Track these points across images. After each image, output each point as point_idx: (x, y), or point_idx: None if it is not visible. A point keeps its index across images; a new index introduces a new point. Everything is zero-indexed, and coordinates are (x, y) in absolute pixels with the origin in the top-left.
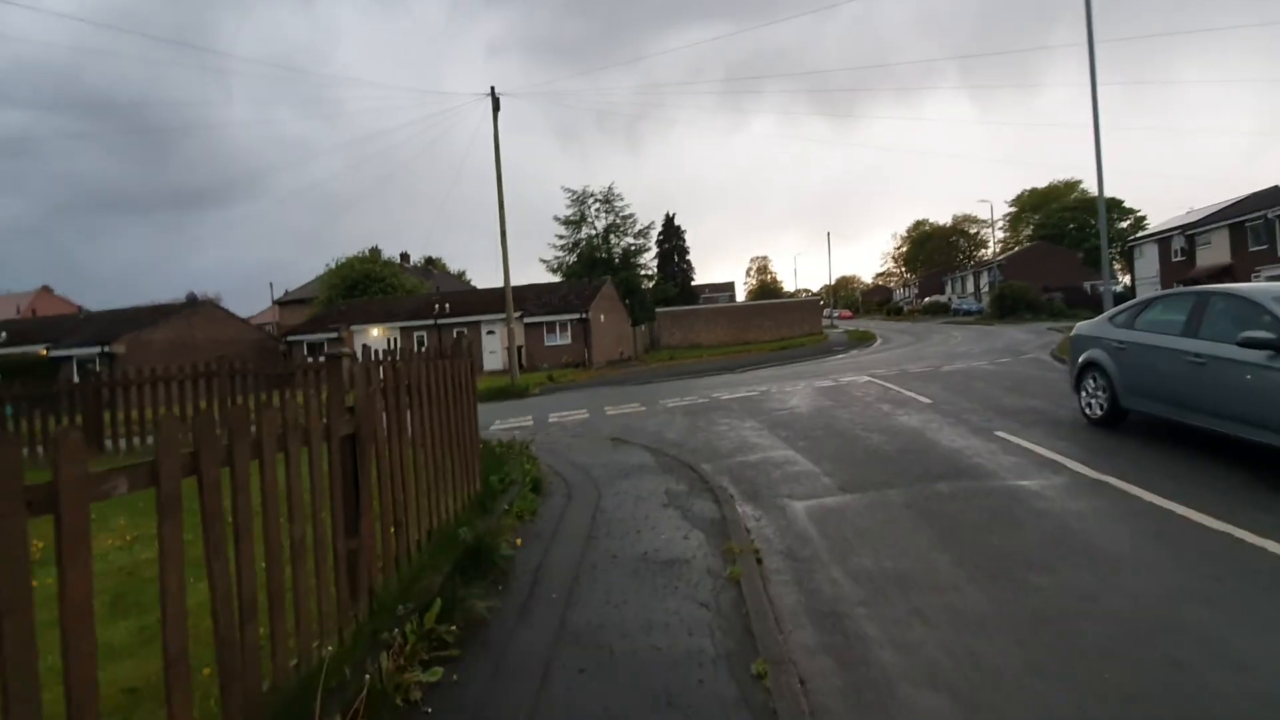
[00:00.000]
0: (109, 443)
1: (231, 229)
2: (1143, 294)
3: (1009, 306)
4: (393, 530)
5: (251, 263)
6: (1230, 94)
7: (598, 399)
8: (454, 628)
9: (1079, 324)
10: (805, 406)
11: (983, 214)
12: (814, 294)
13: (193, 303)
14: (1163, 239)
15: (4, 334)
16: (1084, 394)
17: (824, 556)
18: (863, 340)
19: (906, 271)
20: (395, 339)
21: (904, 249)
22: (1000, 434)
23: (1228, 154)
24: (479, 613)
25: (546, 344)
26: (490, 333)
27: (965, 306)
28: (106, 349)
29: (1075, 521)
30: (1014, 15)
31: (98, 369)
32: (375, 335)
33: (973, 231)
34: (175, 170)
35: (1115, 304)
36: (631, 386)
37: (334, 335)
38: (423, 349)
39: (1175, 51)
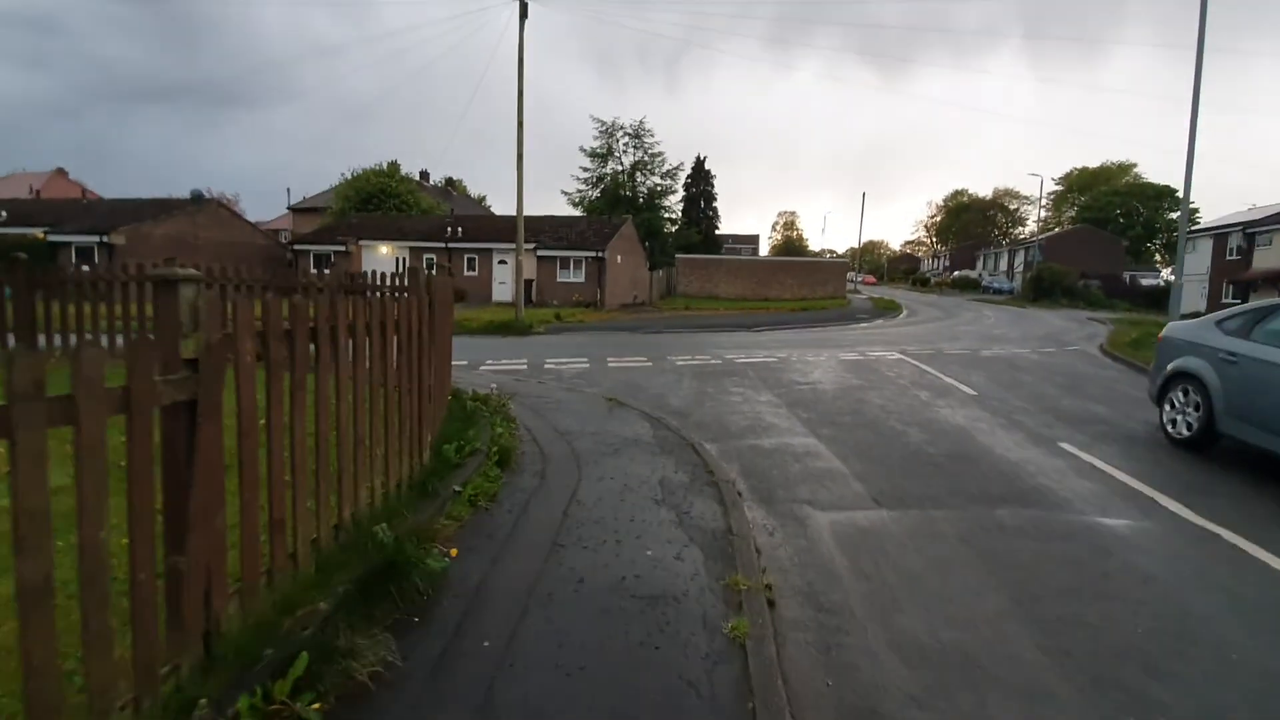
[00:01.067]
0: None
1: (258, 130)
2: (1189, 290)
3: (1044, 289)
4: (264, 537)
5: (276, 166)
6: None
7: (603, 346)
8: (318, 705)
9: (1171, 324)
10: (829, 383)
11: (1029, 188)
12: (839, 255)
13: (198, 200)
14: (1219, 234)
15: (4, 214)
16: (1169, 408)
17: (858, 608)
18: (888, 310)
19: (938, 242)
20: (404, 259)
21: (938, 218)
22: (1066, 447)
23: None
24: (362, 678)
25: (559, 280)
26: (502, 262)
27: (997, 285)
28: (105, 239)
29: (1196, 596)
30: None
31: (95, 258)
32: (384, 253)
33: (1013, 207)
34: (205, 64)
35: (1150, 299)
36: (641, 335)
37: (341, 248)
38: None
39: (1244, 22)
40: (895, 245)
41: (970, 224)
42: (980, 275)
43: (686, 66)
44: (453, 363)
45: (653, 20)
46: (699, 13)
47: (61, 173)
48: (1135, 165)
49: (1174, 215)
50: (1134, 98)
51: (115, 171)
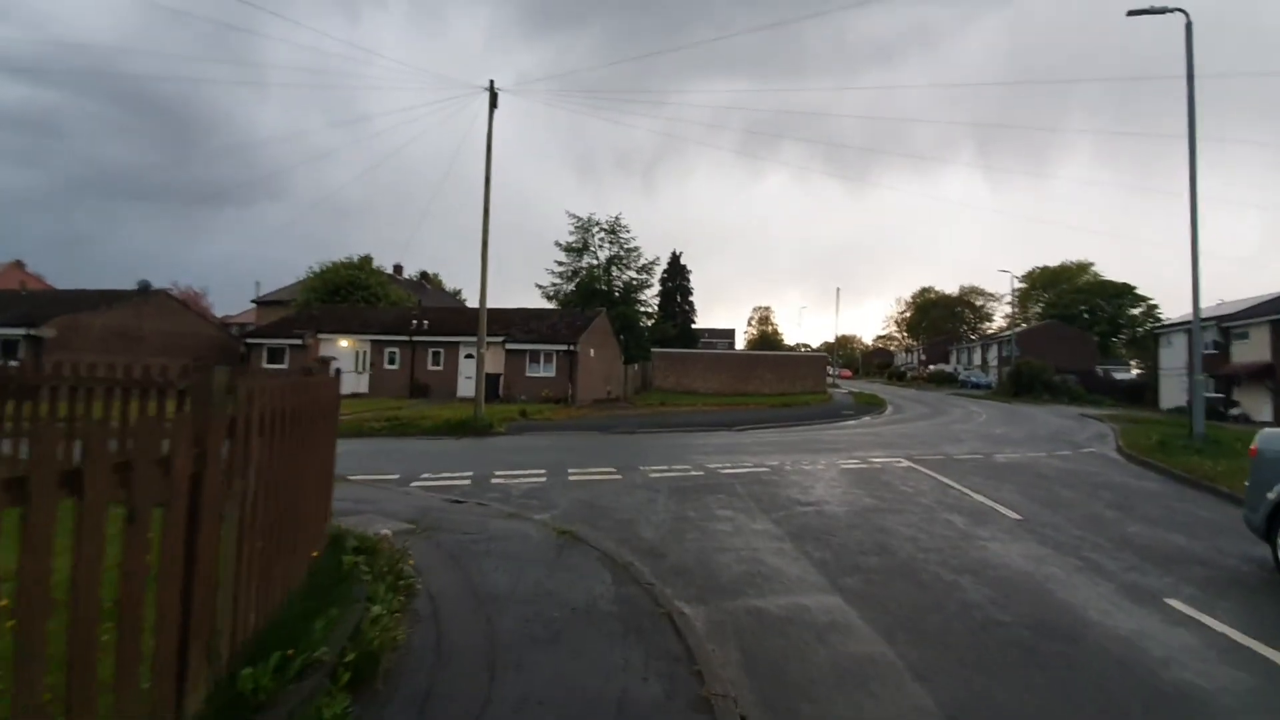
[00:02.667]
0: None
1: (244, 227)
2: (1169, 384)
3: (1024, 384)
4: None
5: (256, 262)
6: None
7: (567, 451)
8: None
9: (1266, 433)
10: (837, 502)
11: (993, 285)
12: (813, 350)
13: (144, 291)
14: (1192, 329)
15: None
16: None
17: None
18: (873, 405)
19: (908, 337)
20: (365, 352)
21: (908, 314)
22: (1177, 605)
23: (1229, 260)
24: None
25: (528, 374)
26: (469, 356)
27: (974, 379)
28: (33, 331)
29: None
30: (1031, 101)
31: (20, 353)
32: (344, 346)
33: (979, 304)
34: (195, 165)
35: (1126, 394)
36: (612, 436)
37: (298, 342)
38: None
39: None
40: (867, 340)
41: (939, 319)
42: (955, 369)
43: (662, 171)
44: (384, 477)
45: (631, 129)
46: (675, 120)
47: (18, 265)
48: (1093, 264)
49: (1135, 311)
50: (1081, 202)
51: (96, 267)
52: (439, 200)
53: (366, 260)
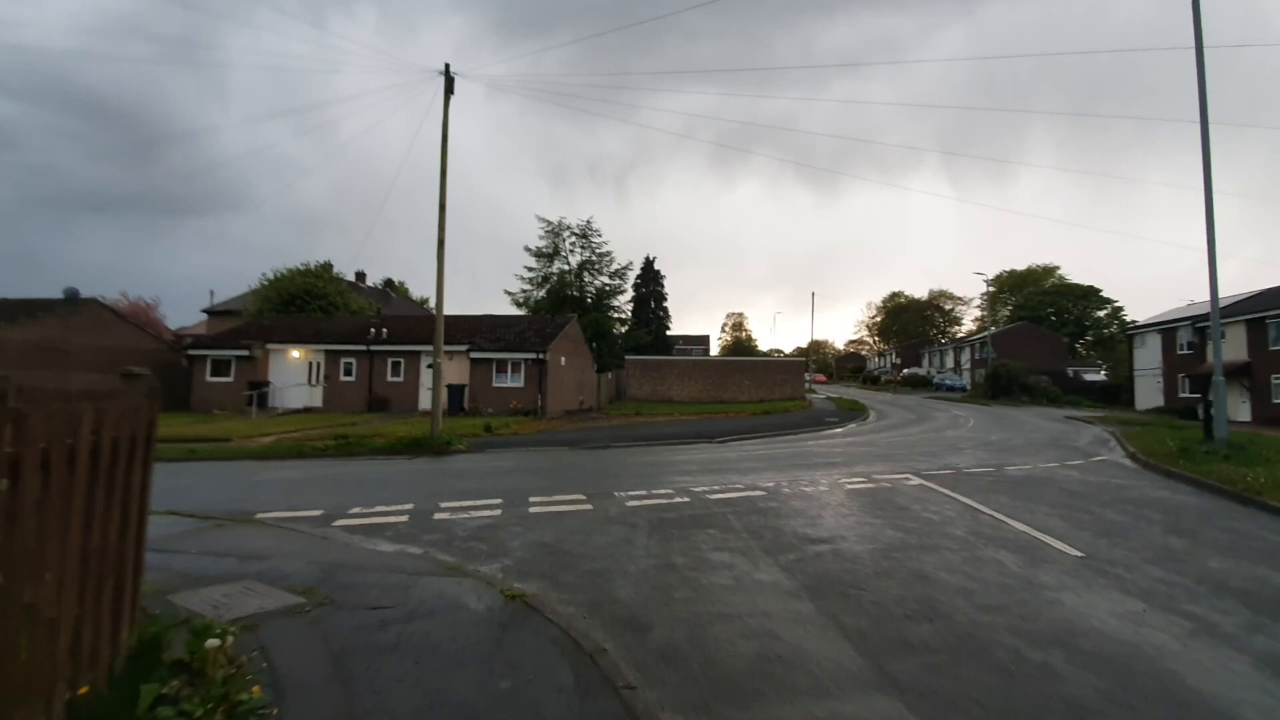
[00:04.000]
0: None
1: (204, 239)
2: (1145, 385)
3: (1001, 386)
4: None
5: (217, 273)
6: (1189, 204)
7: (530, 473)
8: None
9: None
10: (855, 538)
11: (961, 289)
12: (787, 355)
13: (72, 300)
14: (1167, 329)
15: None
16: None
17: None
18: (855, 411)
19: (880, 341)
20: (319, 364)
21: (878, 318)
22: None
23: (1182, 262)
24: None
25: (495, 385)
26: (430, 366)
27: (949, 382)
28: None
29: None
30: (993, 111)
31: None
32: (295, 357)
33: (948, 307)
34: (156, 176)
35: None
36: (584, 453)
37: (245, 353)
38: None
39: (1147, 157)
40: (839, 344)
41: (909, 323)
42: (929, 373)
43: (634, 180)
44: (302, 514)
45: (603, 139)
46: (647, 129)
47: None
48: (1059, 268)
49: (1101, 313)
50: (1044, 207)
51: (49, 280)
52: (408, 208)
53: (325, 267)
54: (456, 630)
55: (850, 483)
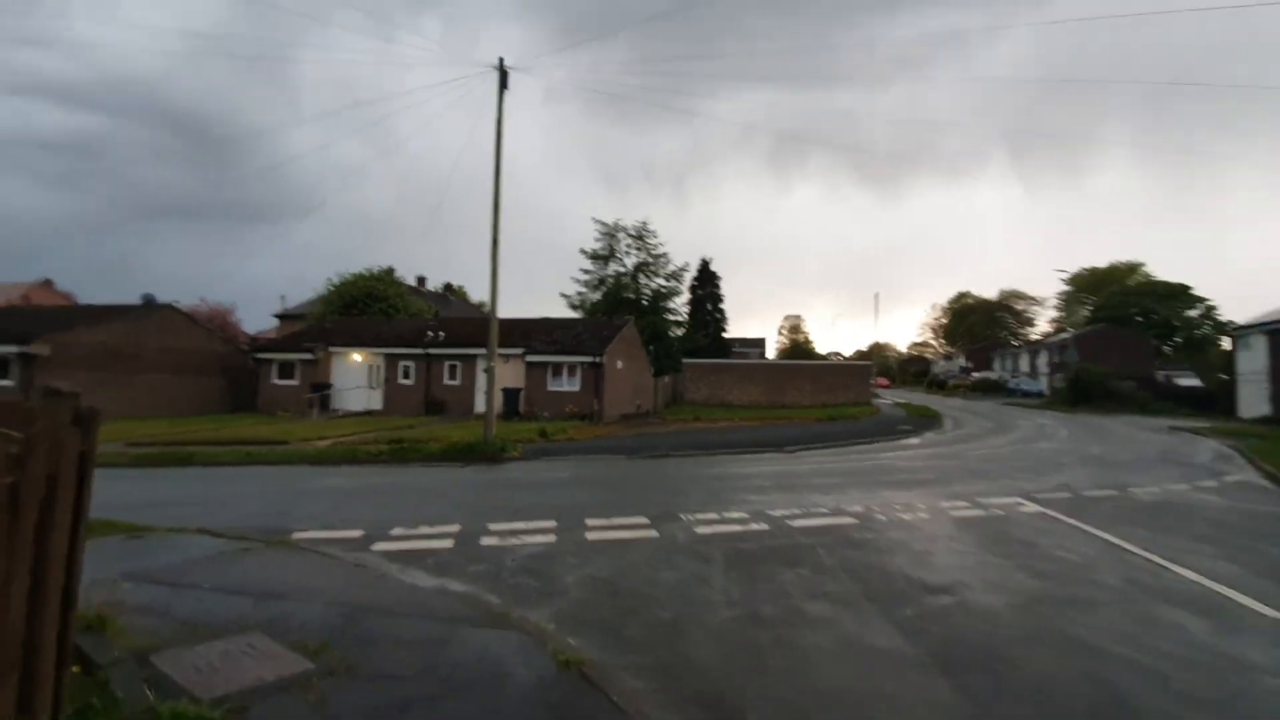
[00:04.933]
0: None
1: (279, 245)
2: (1249, 391)
3: (1083, 392)
4: None
5: (287, 278)
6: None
7: (587, 488)
8: None
9: None
10: (981, 583)
11: (1034, 288)
12: (846, 358)
13: (148, 306)
14: (1275, 330)
15: None
16: None
17: None
18: (928, 418)
19: (945, 343)
20: (379, 366)
21: (944, 320)
22: None
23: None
24: None
25: (550, 388)
26: (485, 370)
27: (1024, 387)
28: (25, 349)
29: None
30: (1065, 103)
31: (11, 370)
32: (356, 360)
33: (1020, 308)
34: (233, 186)
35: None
36: (642, 462)
37: (308, 356)
38: None
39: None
40: (901, 347)
41: (977, 325)
42: (1001, 377)
43: (691, 183)
44: (342, 534)
45: (660, 142)
46: (704, 132)
47: (48, 283)
48: (1143, 264)
49: (1192, 313)
50: (1122, 203)
51: (137, 286)
52: (467, 213)
53: (387, 272)
54: (497, 718)
55: (953, 508)
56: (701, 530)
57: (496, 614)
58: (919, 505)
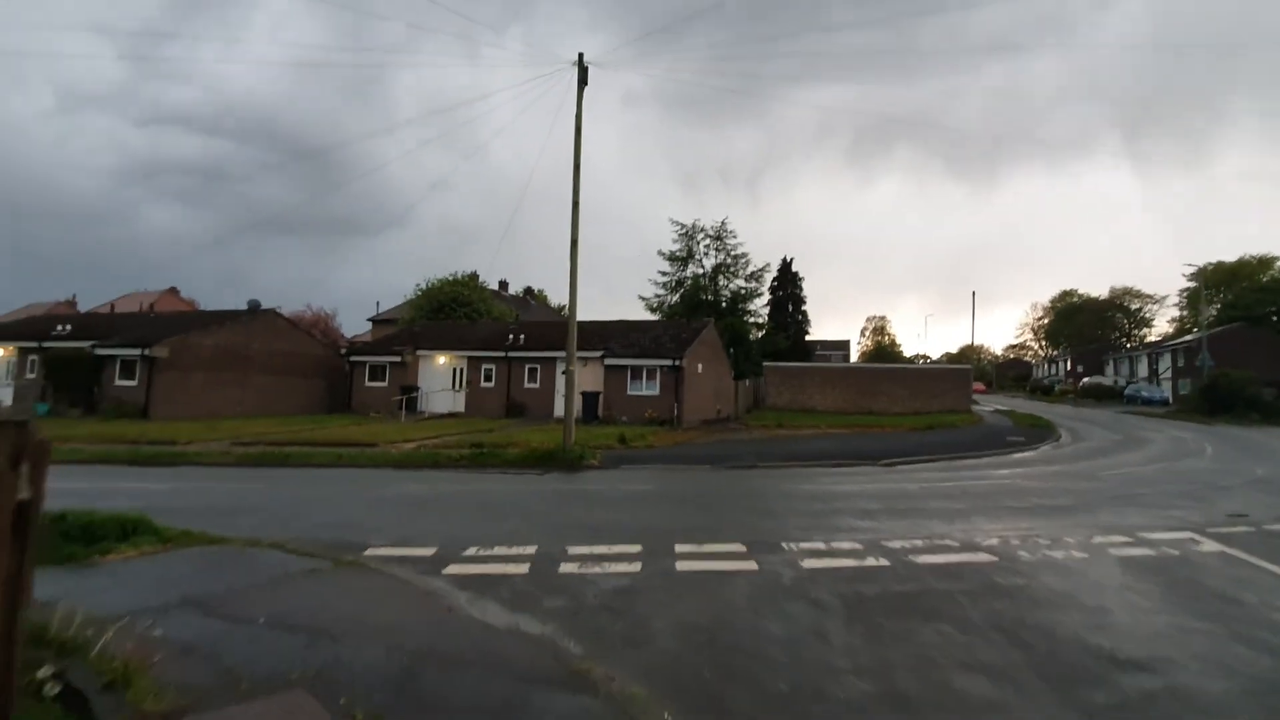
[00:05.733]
0: None
1: (371, 254)
2: None
3: (1220, 401)
4: None
5: (382, 284)
6: None
7: (673, 504)
8: None
9: None
10: (1192, 659)
11: (1152, 285)
12: (934, 361)
13: (253, 311)
14: None
15: (68, 327)
16: None
17: None
18: (1039, 429)
19: (1048, 345)
20: (461, 369)
21: (1045, 320)
22: None
23: None
24: None
25: (630, 392)
26: (565, 373)
27: (1144, 394)
28: (147, 351)
29: None
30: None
31: (137, 371)
32: (441, 363)
33: (1134, 307)
34: (335, 201)
35: None
36: (728, 474)
37: (396, 359)
38: None
39: None
40: (996, 349)
41: (1084, 326)
42: (1115, 382)
43: (768, 181)
44: (414, 552)
45: (736, 140)
46: (782, 129)
47: (174, 291)
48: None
49: None
50: (1250, 191)
51: (253, 293)
52: (546, 219)
53: (472, 277)
54: None
55: (1110, 544)
56: (808, 564)
57: (577, 670)
58: (1067, 539)
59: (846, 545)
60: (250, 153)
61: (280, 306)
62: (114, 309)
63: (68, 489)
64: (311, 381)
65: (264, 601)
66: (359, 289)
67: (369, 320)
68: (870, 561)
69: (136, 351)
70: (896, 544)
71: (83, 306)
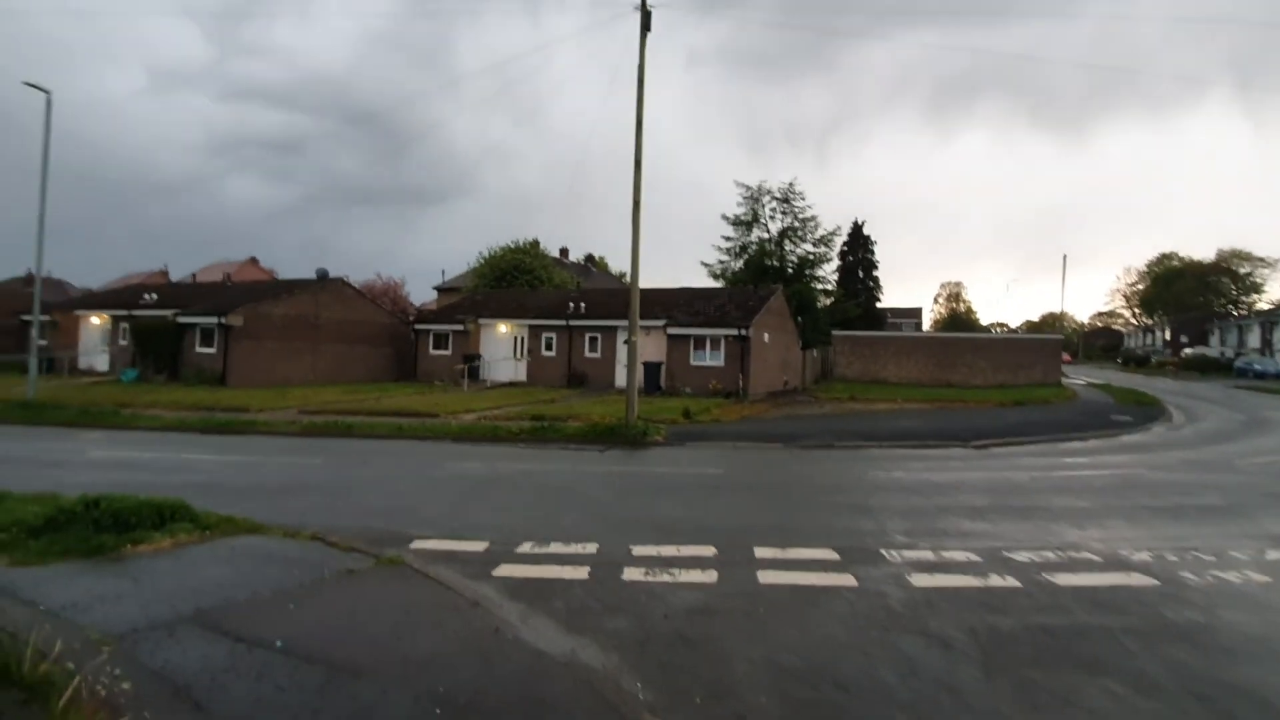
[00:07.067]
0: None
1: (439, 222)
2: None
3: None
4: None
5: (448, 252)
6: None
7: (747, 492)
8: None
9: None
10: None
11: (1264, 249)
12: (1013, 329)
13: (322, 280)
14: None
15: (154, 296)
16: None
17: None
18: (1145, 406)
19: (1142, 313)
20: (523, 338)
21: (1140, 286)
22: None
23: None
24: None
25: (693, 363)
26: (626, 342)
27: (1259, 367)
28: (223, 320)
29: None
30: None
31: (215, 339)
32: (503, 331)
33: (1244, 271)
34: (406, 171)
35: None
36: (803, 454)
37: (459, 327)
38: None
39: None
40: (1080, 317)
41: (1185, 292)
42: (1223, 354)
43: (836, 142)
44: (464, 546)
45: (804, 99)
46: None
47: (254, 261)
48: None
49: None
50: None
51: (322, 260)
52: (608, 185)
53: (533, 244)
54: None
55: None
56: (919, 581)
57: None
58: (1234, 554)
59: (961, 556)
60: (325, 124)
61: (348, 276)
62: (195, 279)
63: (141, 460)
64: (379, 349)
65: (287, 616)
66: (427, 257)
67: (434, 288)
68: (996, 580)
69: (214, 320)
70: (1023, 556)
71: (174, 276)
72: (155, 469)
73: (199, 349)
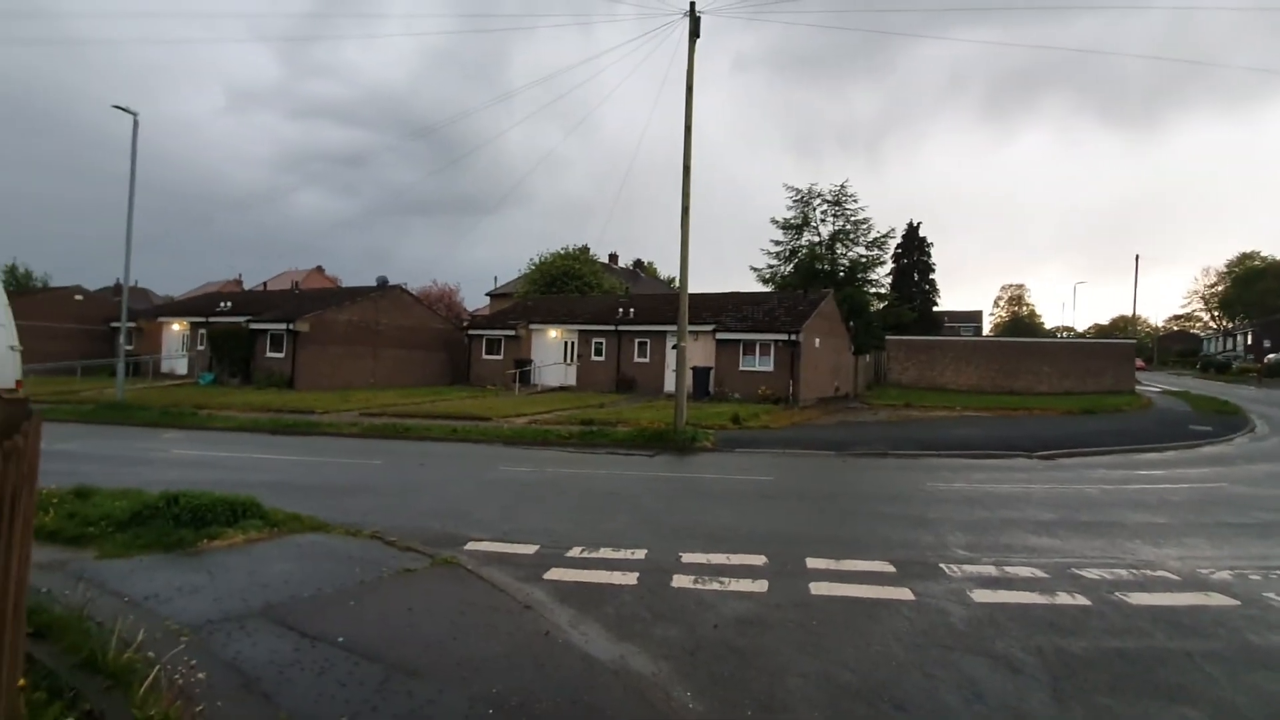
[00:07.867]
0: None
1: (492, 231)
2: None
3: None
4: None
5: (501, 259)
6: None
7: (798, 501)
8: None
9: None
10: None
11: None
12: (1079, 334)
13: (382, 287)
14: None
15: (229, 304)
16: None
17: None
18: (1225, 415)
19: (1221, 316)
20: (572, 343)
21: (1219, 288)
22: None
23: None
24: None
25: (742, 368)
26: (675, 347)
27: None
28: (291, 326)
29: None
30: None
31: (284, 344)
32: (553, 337)
33: None
34: (462, 182)
35: None
36: (855, 462)
37: (510, 333)
38: None
39: None
40: (1154, 321)
41: (1268, 294)
42: None
43: (889, 143)
44: (516, 549)
45: (855, 101)
46: (906, 84)
47: (319, 269)
48: None
49: None
50: None
51: (384, 268)
52: (657, 191)
53: (583, 250)
54: None
55: None
56: (981, 597)
57: None
58: None
59: (1026, 572)
60: (386, 138)
61: (406, 283)
62: (266, 287)
63: (216, 458)
64: (434, 354)
65: (348, 613)
66: (480, 264)
67: (487, 295)
68: (1064, 599)
69: (282, 326)
70: (1093, 573)
71: (247, 284)
72: (228, 467)
73: (269, 354)
